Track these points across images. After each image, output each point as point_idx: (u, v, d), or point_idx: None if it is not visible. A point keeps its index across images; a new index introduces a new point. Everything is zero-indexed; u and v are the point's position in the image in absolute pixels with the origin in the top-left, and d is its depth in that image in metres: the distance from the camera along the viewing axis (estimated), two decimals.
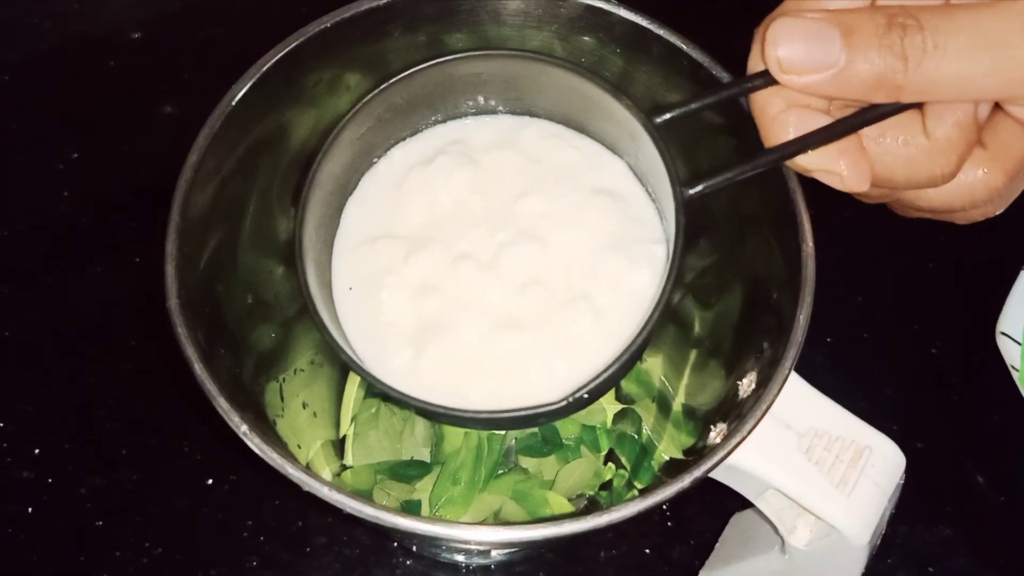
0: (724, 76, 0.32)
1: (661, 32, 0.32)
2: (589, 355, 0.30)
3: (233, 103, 0.30)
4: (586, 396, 0.27)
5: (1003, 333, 0.48)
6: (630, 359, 0.28)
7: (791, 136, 0.27)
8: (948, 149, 0.27)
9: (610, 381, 0.29)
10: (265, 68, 0.31)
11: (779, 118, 0.27)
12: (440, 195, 0.33)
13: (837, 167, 0.27)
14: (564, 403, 0.27)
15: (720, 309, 0.35)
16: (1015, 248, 0.50)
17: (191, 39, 0.59)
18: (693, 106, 0.28)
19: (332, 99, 0.34)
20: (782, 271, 0.31)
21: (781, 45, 0.26)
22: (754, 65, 0.28)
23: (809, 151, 0.27)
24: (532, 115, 0.34)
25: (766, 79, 0.27)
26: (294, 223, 0.29)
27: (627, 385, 0.44)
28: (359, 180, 0.34)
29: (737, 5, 0.62)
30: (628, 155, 0.33)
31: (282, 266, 0.37)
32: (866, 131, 0.27)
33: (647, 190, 0.32)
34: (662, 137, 0.28)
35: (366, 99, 0.30)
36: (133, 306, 0.49)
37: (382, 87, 0.30)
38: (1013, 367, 0.47)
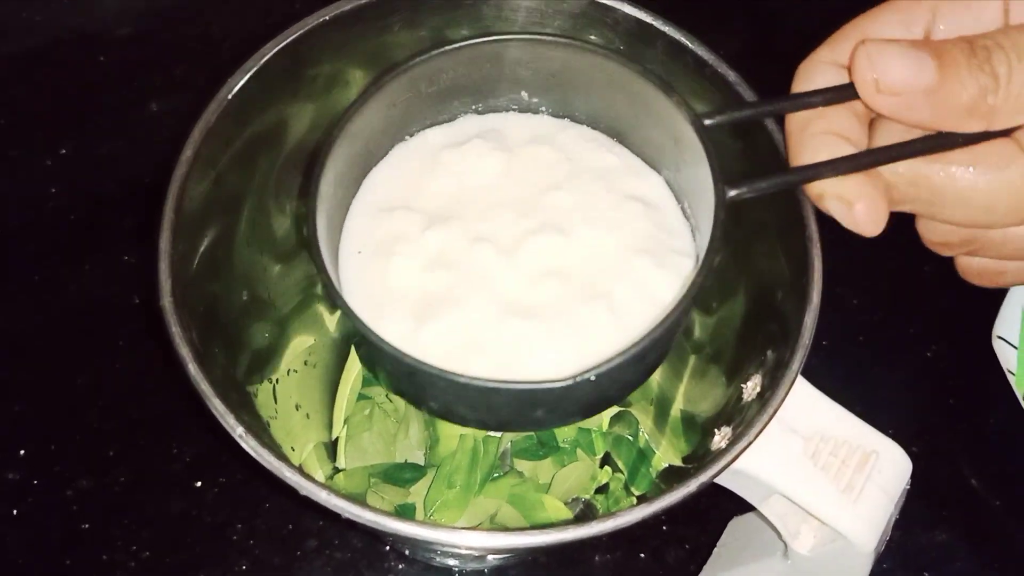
0: (729, 73, 0.32)
1: (666, 29, 0.32)
2: (601, 348, 0.29)
3: (230, 96, 0.29)
4: (592, 379, 0.25)
5: (999, 337, 0.48)
6: (645, 350, 0.26)
7: (822, 158, 0.26)
8: None
9: (622, 375, 0.28)
10: (264, 60, 0.30)
11: (816, 138, 0.27)
12: (469, 175, 0.32)
13: (853, 198, 0.26)
14: (570, 382, 0.25)
15: (722, 313, 0.35)
16: None
17: (184, 35, 0.58)
18: (745, 113, 0.28)
19: (331, 95, 0.33)
20: (787, 273, 0.30)
21: (877, 62, 0.25)
22: (806, 85, 0.28)
23: (834, 176, 0.26)
24: (574, 119, 0.34)
25: (820, 98, 0.27)
26: (316, 165, 0.27)
27: None
28: (389, 148, 0.33)
29: (740, 3, 0.62)
30: (667, 168, 0.32)
31: (278, 264, 0.36)
32: (962, 159, 0.26)
33: (682, 207, 0.32)
34: (709, 139, 0.27)
35: (414, 61, 0.29)
36: (122, 304, 0.48)
37: (434, 52, 0.29)
38: (1009, 371, 0.47)
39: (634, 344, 0.26)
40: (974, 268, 0.31)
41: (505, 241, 0.31)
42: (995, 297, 0.49)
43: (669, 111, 0.28)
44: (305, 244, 0.27)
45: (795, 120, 0.28)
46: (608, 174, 0.32)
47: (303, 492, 0.25)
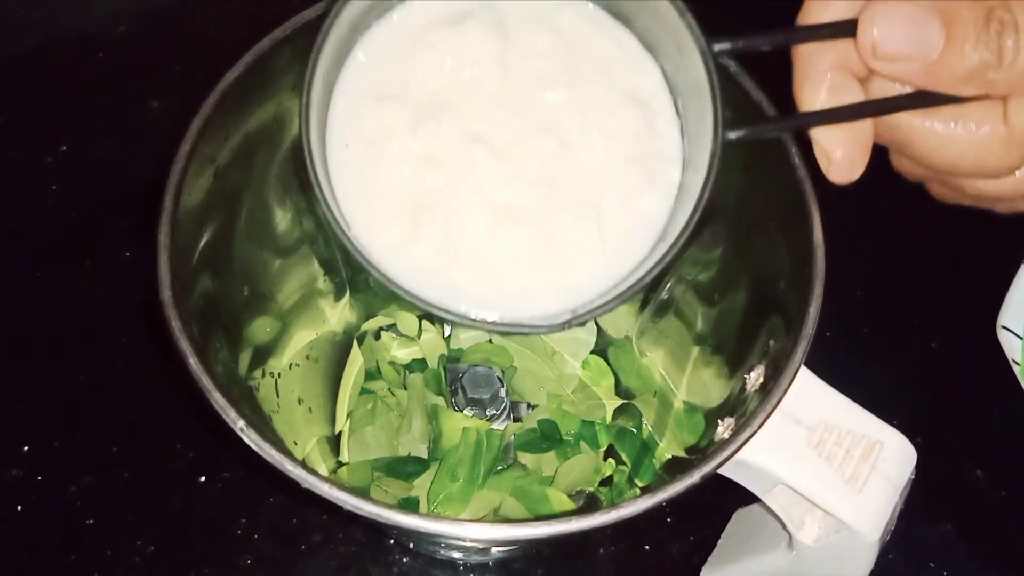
0: (731, 65, 0.31)
1: None
2: (585, 267, 0.28)
3: (228, 89, 0.29)
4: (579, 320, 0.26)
5: (1004, 327, 0.48)
6: (624, 293, 0.27)
7: (822, 97, 0.26)
8: None
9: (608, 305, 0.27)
10: (261, 53, 0.30)
11: (822, 74, 0.26)
12: (461, 62, 0.30)
13: (834, 151, 0.26)
14: (560, 325, 0.26)
15: (725, 305, 0.35)
16: (1015, 242, 0.50)
17: (182, 33, 0.58)
18: (758, 42, 0.27)
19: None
20: (790, 264, 0.30)
21: (879, 27, 0.25)
22: (813, 19, 0.27)
23: (826, 125, 0.26)
24: None
25: (828, 32, 0.27)
26: (309, 60, 0.26)
27: (627, 379, 0.44)
28: (371, 23, 0.30)
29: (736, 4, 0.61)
30: (668, 63, 0.30)
31: (279, 258, 0.36)
32: (944, 113, 0.26)
33: (676, 104, 0.30)
34: (716, 68, 0.26)
35: None
36: (123, 302, 0.48)
37: None
38: (1014, 361, 0.47)
39: (618, 295, 0.26)
40: (934, 190, 0.31)
41: (498, 143, 0.29)
42: (1000, 287, 0.49)
43: (679, 26, 0.27)
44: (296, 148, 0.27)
45: (801, 52, 0.27)
46: (607, 67, 0.30)
47: (305, 485, 0.25)
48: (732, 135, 0.26)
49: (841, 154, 0.26)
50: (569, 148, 0.30)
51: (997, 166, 0.27)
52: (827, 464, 0.28)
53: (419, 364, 0.44)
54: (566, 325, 0.27)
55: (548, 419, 0.43)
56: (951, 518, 0.46)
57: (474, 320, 0.27)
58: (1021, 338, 0.47)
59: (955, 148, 0.27)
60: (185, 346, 0.26)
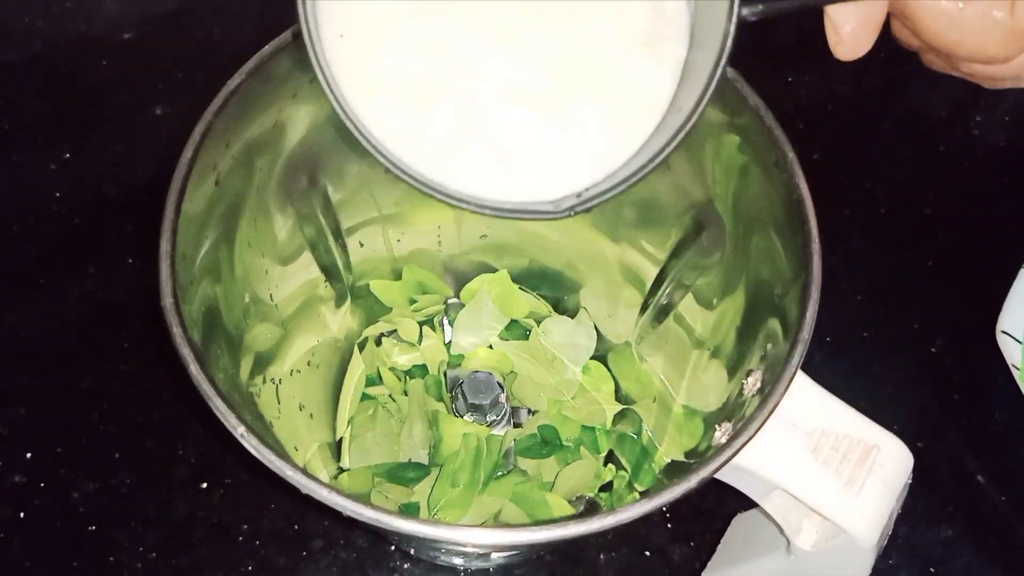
0: (728, 70, 0.31)
1: None
2: (589, 149, 0.28)
3: (230, 96, 0.29)
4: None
5: (1004, 332, 0.48)
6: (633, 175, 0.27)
7: None
8: None
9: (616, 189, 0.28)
10: (262, 60, 0.30)
11: None
12: None
13: (844, 26, 0.27)
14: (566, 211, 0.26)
15: (723, 309, 0.35)
16: (1015, 246, 0.50)
17: (186, 39, 0.58)
18: None
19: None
20: (787, 269, 0.30)
21: None
22: None
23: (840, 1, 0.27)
24: None
25: None
26: None
27: (627, 385, 0.44)
28: None
29: None
30: None
31: (280, 265, 0.36)
32: None
33: None
34: None
35: None
36: (127, 307, 0.48)
37: None
38: (1014, 366, 0.47)
39: (624, 179, 0.26)
40: (926, 59, 0.32)
41: (501, 25, 0.29)
42: (999, 292, 0.49)
43: None
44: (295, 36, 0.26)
45: None
46: None
47: (304, 491, 0.25)
48: (747, 11, 0.26)
49: (850, 29, 0.27)
50: (576, 29, 0.29)
51: (995, 54, 0.28)
52: (824, 469, 0.28)
53: (420, 370, 0.45)
54: (572, 211, 0.27)
55: (548, 424, 0.43)
56: (953, 522, 0.46)
57: (480, 204, 0.28)
58: (1021, 343, 0.47)
59: (959, 31, 0.28)
60: (186, 352, 0.27)
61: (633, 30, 0.29)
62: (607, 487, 0.42)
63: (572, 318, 0.45)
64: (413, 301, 0.44)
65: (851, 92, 0.60)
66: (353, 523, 0.25)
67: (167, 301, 0.27)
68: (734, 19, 0.25)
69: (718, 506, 0.45)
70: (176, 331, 0.27)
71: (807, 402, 0.29)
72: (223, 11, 0.59)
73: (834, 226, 0.54)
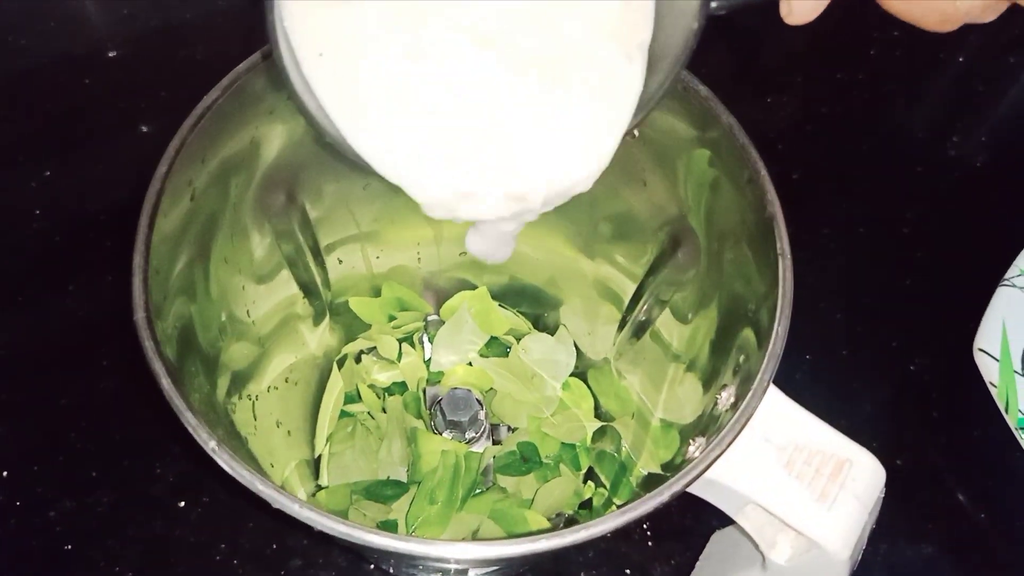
0: (701, 89, 0.32)
1: None
2: (572, 145, 0.29)
3: (205, 112, 0.30)
4: None
5: (981, 350, 0.48)
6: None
7: None
8: None
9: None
10: (237, 77, 0.30)
11: None
12: None
13: None
14: None
15: (698, 323, 0.35)
16: (991, 265, 0.50)
17: (169, 58, 0.59)
18: None
19: None
20: (760, 284, 0.30)
21: None
22: None
23: None
24: None
25: None
26: None
27: (606, 403, 0.44)
28: None
29: (721, 23, 0.62)
30: None
31: (257, 283, 0.36)
32: None
33: None
34: None
35: None
36: (106, 325, 0.48)
37: None
38: (991, 383, 0.47)
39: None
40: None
41: (480, 31, 0.29)
42: (976, 310, 0.49)
43: None
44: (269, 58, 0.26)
45: None
46: None
47: (276, 505, 0.25)
48: (715, 4, 0.26)
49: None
50: (553, 31, 0.30)
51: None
52: (797, 483, 0.28)
53: (399, 387, 0.45)
54: None
55: (528, 441, 0.43)
56: (933, 540, 0.47)
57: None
58: (998, 360, 0.47)
59: None
60: (158, 367, 0.27)
61: (604, 30, 0.29)
62: (587, 504, 0.42)
63: (552, 335, 0.45)
64: (392, 318, 0.45)
65: (831, 112, 0.60)
66: (331, 542, 0.25)
67: (139, 316, 0.27)
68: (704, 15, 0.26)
69: (698, 523, 0.45)
70: (148, 345, 0.27)
71: (780, 417, 0.29)
72: (207, 30, 0.59)
73: (814, 245, 0.55)
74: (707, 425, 0.31)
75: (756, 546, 0.31)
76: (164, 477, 0.45)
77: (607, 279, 0.41)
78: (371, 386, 0.44)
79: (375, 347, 0.45)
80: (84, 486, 0.45)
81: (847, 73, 0.62)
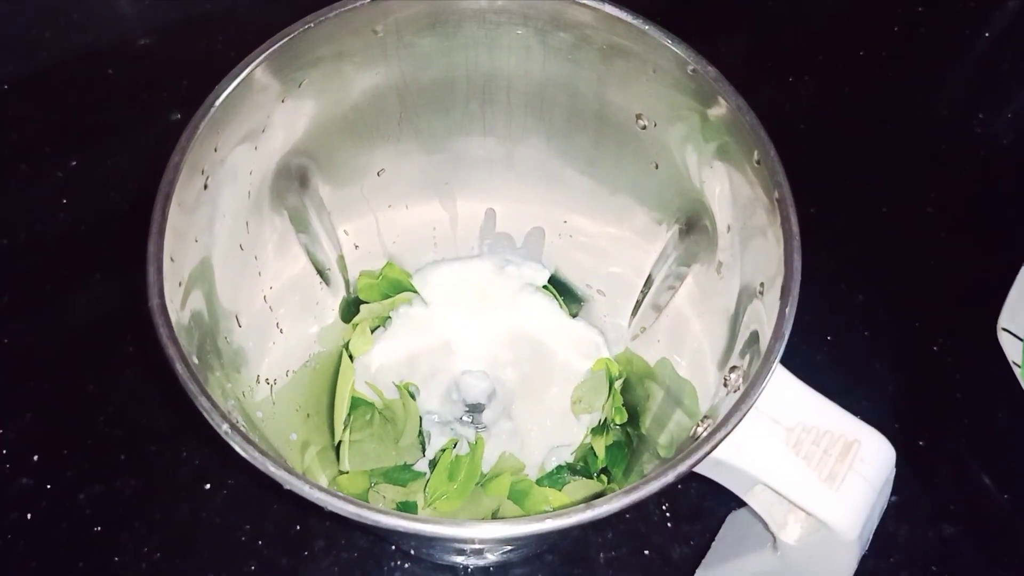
0: (710, 70, 0.32)
1: (646, 27, 0.32)
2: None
3: (216, 104, 0.30)
4: None
5: (1004, 329, 0.48)
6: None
7: None
8: None
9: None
10: (249, 68, 0.30)
11: None
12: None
13: None
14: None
15: (709, 306, 0.35)
16: (1016, 243, 0.50)
17: (191, 49, 0.59)
18: None
19: (317, 101, 0.34)
20: (770, 265, 0.30)
21: None
22: None
23: None
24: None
25: None
26: None
27: (625, 388, 0.44)
28: None
29: (742, 6, 0.62)
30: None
31: (273, 267, 0.37)
32: None
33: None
34: None
35: None
36: (132, 313, 0.49)
37: None
38: (1015, 363, 0.47)
39: None
40: None
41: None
42: (1001, 290, 0.49)
43: None
44: None
45: None
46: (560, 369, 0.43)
47: (287, 486, 0.26)
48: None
49: None
50: (526, 422, 0.42)
51: None
52: (805, 463, 0.28)
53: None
54: None
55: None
56: (954, 521, 0.46)
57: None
58: (1022, 340, 0.47)
59: None
60: (172, 351, 0.27)
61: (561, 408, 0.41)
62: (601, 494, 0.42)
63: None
64: (387, 296, 0.44)
65: (853, 91, 0.60)
66: (354, 523, 0.26)
67: (154, 302, 0.28)
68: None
69: (717, 506, 0.45)
70: (163, 331, 0.27)
71: (788, 397, 0.29)
72: (227, 21, 0.60)
73: (836, 225, 0.54)
74: (716, 407, 0.31)
75: (766, 526, 0.31)
76: (189, 461, 0.46)
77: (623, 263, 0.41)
78: None
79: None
80: (112, 470, 0.46)
81: (870, 51, 0.61)
